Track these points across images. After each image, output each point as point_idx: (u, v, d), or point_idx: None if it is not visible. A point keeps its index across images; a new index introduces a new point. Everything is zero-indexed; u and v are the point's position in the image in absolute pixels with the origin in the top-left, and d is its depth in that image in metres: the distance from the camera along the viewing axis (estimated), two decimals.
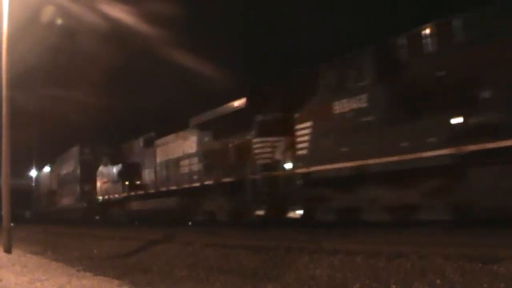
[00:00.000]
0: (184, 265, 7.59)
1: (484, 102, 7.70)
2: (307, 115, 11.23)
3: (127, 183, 21.71)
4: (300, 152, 11.37)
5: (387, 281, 4.97)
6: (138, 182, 20.92)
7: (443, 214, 8.39)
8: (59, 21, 19.19)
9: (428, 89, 8.48)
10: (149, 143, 20.43)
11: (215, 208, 15.06)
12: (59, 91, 38.92)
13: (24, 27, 14.24)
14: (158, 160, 19.34)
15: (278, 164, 12.37)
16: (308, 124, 11.15)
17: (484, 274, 4.53)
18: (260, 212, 12.82)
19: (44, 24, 17.14)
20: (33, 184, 44.17)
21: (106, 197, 24.65)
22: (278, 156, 12.44)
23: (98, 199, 25.92)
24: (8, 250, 10.51)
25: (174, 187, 17.73)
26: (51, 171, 38.23)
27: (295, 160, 11.65)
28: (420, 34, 8.92)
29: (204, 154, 15.91)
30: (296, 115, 11.59)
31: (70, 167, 32.50)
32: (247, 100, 14.12)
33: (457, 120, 8.05)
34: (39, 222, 33.09)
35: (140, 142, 21.34)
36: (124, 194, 22.19)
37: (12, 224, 11.12)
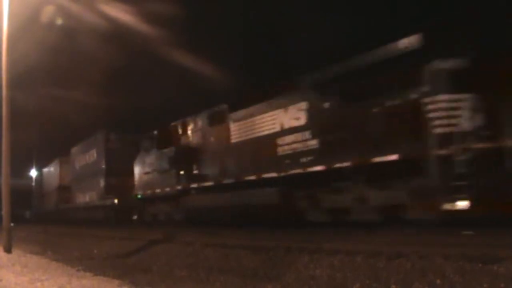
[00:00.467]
0: (184, 265, 7.60)
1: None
2: None
3: (182, 172, 16.48)
4: None
5: (387, 281, 4.97)
6: (196, 172, 15.93)
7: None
8: (59, 21, 19.20)
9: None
10: (218, 119, 15.21)
11: (350, 202, 10.31)
12: (59, 91, 38.94)
13: (24, 27, 14.25)
14: (235, 139, 14.06)
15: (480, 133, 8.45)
16: None
17: (484, 274, 4.53)
18: (458, 205, 8.68)
19: (44, 24, 17.16)
20: (33, 184, 43.52)
21: (149, 191, 18.35)
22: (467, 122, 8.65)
23: (135, 195, 19.61)
24: (8, 250, 10.51)
25: (270, 174, 12.29)
26: (62, 164, 32.61)
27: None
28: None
29: (324, 127, 11.10)
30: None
31: (90, 157, 26.55)
32: (423, 38, 9.57)
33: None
34: (39, 222, 33.04)
35: (203, 118, 16.09)
36: (179, 187, 16.32)
37: (12, 224, 11.12)
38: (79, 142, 29.26)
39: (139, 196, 19.19)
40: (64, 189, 31.61)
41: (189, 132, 16.53)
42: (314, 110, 11.33)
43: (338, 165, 10.34)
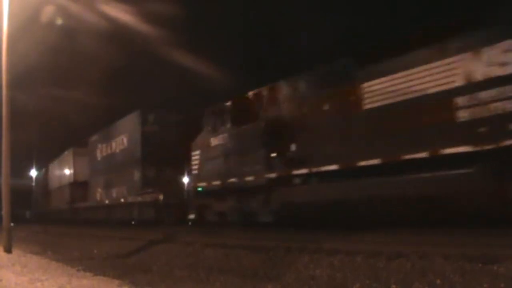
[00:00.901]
0: (184, 265, 7.60)
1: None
2: None
3: (274, 155, 11.71)
4: None
5: (387, 281, 4.97)
6: (299, 153, 11.17)
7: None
8: (59, 21, 19.19)
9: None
10: (336, 79, 10.70)
11: None
12: (59, 91, 38.95)
13: (24, 27, 14.25)
14: (371, 104, 9.74)
15: None
16: None
17: (484, 274, 4.53)
18: None
19: (44, 24, 17.15)
20: (34, 183, 43.35)
21: (217, 182, 13.43)
22: None
23: (193, 188, 14.89)
24: (8, 250, 10.51)
25: (457, 149, 8.17)
26: (76, 157, 27.84)
27: None
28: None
29: None
30: None
31: (118, 145, 21.54)
32: None
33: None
34: (40, 223, 33.01)
35: (308, 80, 11.49)
36: (272, 175, 11.67)
37: (12, 224, 11.12)
38: (101, 129, 24.40)
39: (199, 190, 14.30)
40: (79, 185, 26.93)
41: (284, 99, 11.78)
42: None
43: None
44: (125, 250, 10.24)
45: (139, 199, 18.65)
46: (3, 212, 10.98)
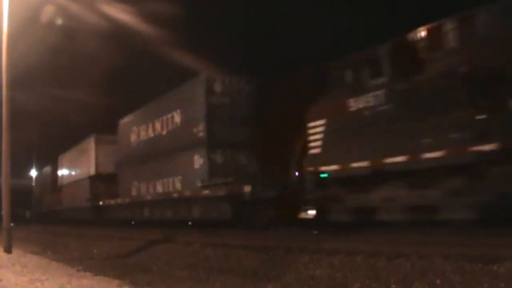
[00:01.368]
0: (184, 265, 7.60)
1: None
2: None
3: (484, 116, 7.47)
4: None
5: (387, 281, 4.98)
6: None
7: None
8: (59, 21, 19.20)
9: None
10: None
11: None
12: (59, 91, 38.93)
13: (24, 27, 14.25)
14: None
15: None
16: None
17: (484, 274, 4.53)
18: None
19: (44, 24, 17.16)
20: (34, 183, 43.24)
21: (364, 163, 9.16)
22: None
23: (316, 174, 10.21)
24: (8, 250, 10.52)
25: None
26: (99, 145, 23.23)
27: None
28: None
29: None
30: None
31: (167, 125, 16.41)
32: None
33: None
34: (40, 222, 32.99)
35: None
36: (488, 147, 7.27)
37: (12, 224, 11.12)
38: (137, 109, 19.42)
39: (323, 176, 10.03)
40: (102, 179, 22.61)
41: (489, 35, 7.67)
42: None
43: None
44: (125, 250, 10.25)
45: (205, 192, 13.56)
46: (3, 212, 10.98)
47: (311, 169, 10.25)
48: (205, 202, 13.74)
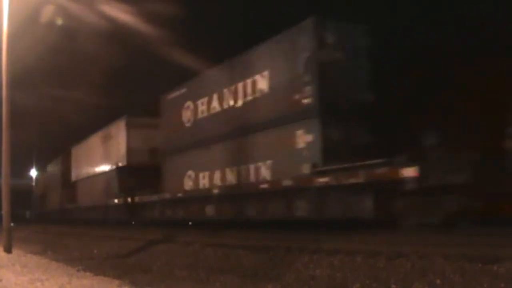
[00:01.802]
0: (184, 265, 7.60)
1: None
2: None
3: None
4: None
5: (387, 281, 4.97)
6: None
7: None
8: (59, 21, 19.20)
9: None
10: None
11: None
12: (59, 91, 38.94)
13: (24, 27, 14.26)
14: None
15: None
16: None
17: (484, 274, 4.53)
18: None
19: (44, 24, 17.16)
20: (34, 183, 43.14)
21: None
22: None
23: None
24: (8, 250, 10.52)
25: None
26: (131, 129, 18.88)
27: None
28: None
29: None
30: None
31: (244, 94, 12.31)
32: None
33: None
34: (40, 222, 32.96)
35: None
36: None
37: (12, 224, 11.12)
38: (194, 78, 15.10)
39: None
40: (135, 171, 18.39)
41: None
42: None
43: None
44: (125, 250, 10.25)
45: (322, 181, 9.58)
46: (3, 212, 10.98)
47: None
48: (320, 195, 9.71)
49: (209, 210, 13.46)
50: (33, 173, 43.46)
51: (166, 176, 16.14)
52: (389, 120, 9.32)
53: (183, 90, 15.29)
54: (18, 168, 36.36)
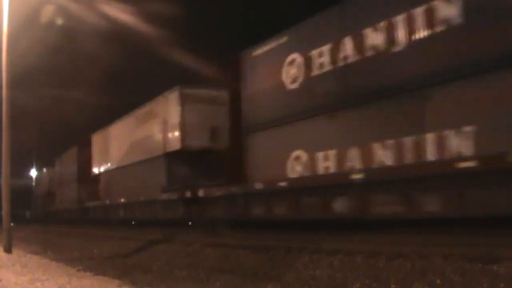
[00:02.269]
0: (184, 265, 7.60)
1: None
2: None
3: None
4: None
5: (387, 281, 4.97)
6: None
7: None
8: (59, 21, 19.22)
9: None
10: None
11: None
12: (59, 91, 38.98)
13: (24, 27, 14.27)
14: None
15: None
16: None
17: (484, 274, 4.53)
18: None
19: (44, 24, 17.18)
20: (34, 183, 43.03)
21: None
22: None
23: None
24: (8, 250, 10.52)
25: None
26: (187, 103, 14.47)
27: None
28: None
29: None
30: None
31: (416, 27, 7.63)
32: None
33: None
34: (39, 222, 32.96)
35: None
36: None
37: (12, 224, 11.12)
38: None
39: None
40: (192, 156, 14.33)
41: None
42: None
43: None
44: (125, 250, 10.25)
45: None
46: (3, 212, 10.99)
47: None
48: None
49: (341, 205, 9.19)
50: (33, 173, 43.37)
51: (251, 161, 11.37)
52: None
53: (282, 40, 10.89)
54: (18, 168, 36.01)
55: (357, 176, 8.68)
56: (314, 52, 9.88)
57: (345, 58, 9.17)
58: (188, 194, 13.29)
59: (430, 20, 7.84)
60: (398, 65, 8.38)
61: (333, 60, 9.44)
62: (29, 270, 7.68)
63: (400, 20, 8.28)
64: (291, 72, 10.42)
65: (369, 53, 8.72)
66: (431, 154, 7.65)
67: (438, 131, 7.55)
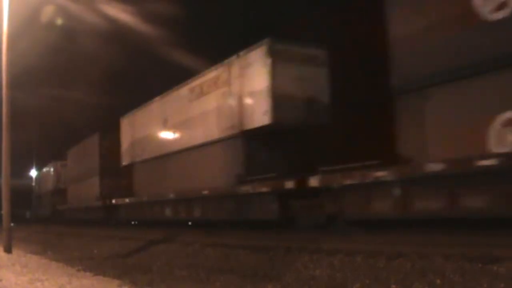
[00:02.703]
0: (184, 265, 7.60)
1: None
2: None
3: None
4: None
5: (387, 281, 4.97)
6: None
7: None
8: (59, 21, 19.22)
9: None
10: None
11: None
12: (59, 91, 38.97)
13: (24, 27, 14.27)
14: None
15: None
16: None
17: (484, 274, 4.53)
18: None
19: (44, 24, 17.18)
20: (33, 183, 42.90)
21: None
22: None
23: None
24: (8, 250, 10.52)
25: None
26: (278, 61, 10.53)
27: None
28: None
29: None
30: None
31: None
32: None
33: None
34: (39, 222, 32.93)
35: None
36: None
37: (12, 224, 11.12)
38: None
39: None
40: (281, 135, 11.02)
41: None
42: None
43: None
44: (125, 250, 10.25)
45: None
46: (3, 212, 10.99)
47: None
48: None
49: None
50: (33, 173, 43.28)
51: (409, 133, 7.76)
52: None
53: None
54: (18, 168, 35.69)
55: None
56: None
57: None
58: (289, 184, 9.67)
59: None
60: None
61: None
62: (29, 270, 7.68)
63: None
64: None
65: None
66: None
67: None
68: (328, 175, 8.87)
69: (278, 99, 10.48)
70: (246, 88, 11.30)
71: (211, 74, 12.73)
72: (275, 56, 10.64)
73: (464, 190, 6.71)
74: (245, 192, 10.88)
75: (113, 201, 19.01)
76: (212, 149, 12.56)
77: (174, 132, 14.71)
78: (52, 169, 32.07)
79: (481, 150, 6.43)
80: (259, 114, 10.66)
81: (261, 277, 6.11)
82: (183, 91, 14.17)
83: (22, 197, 37.21)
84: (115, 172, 19.55)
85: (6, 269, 7.87)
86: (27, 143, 39.51)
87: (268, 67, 10.60)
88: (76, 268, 7.83)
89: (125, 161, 18.29)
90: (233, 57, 11.90)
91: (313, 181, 9.11)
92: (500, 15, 6.31)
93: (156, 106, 15.97)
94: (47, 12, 16.03)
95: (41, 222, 32.67)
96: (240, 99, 11.45)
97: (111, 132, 20.18)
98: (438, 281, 4.64)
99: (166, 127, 15.12)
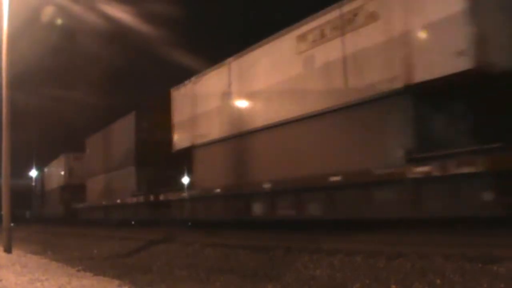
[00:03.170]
0: (184, 265, 7.60)
1: None
2: None
3: None
4: None
5: (387, 281, 4.97)
6: None
7: None
8: (59, 21, 19.22)
9: None
10: None
11: None
12: (59, 91, 38.98)
13: (24, 27, 14.27)
14: None
15: None
16: None
17: (484, 274, 4.53)
18: None
19: (44, 24, 17.18)
20: (33, 183, 42.86)
21: None
22: None
23: None
24: (8, 250, 10.52)
25: None
26: None
27: None
28: None
29: None
30: None
31: None
32: None
33: None
34: (39, 222, 32.88)
35: None
36: None
37: (12, 224, 11.12)
38: None
39: None
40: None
41: None
42: None
43: None
44: (125, 250, 10.24)
45: None
46: (3, 212, 10.98)
47: None
48: None
49: None
50: (33, 173, 43.23)
51: None
52: None
53: None
54: (18, 168, 35.44)
55: None
56: None
57: None
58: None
59: None
60: None
61: None
62: (29, 270, 7.67)
63: None
64: None
65: None
66: None
67: None
68: None
69: (482, 30, 6.69)
70: (417, 18, 7.43)
71: (336, 12, 8.83)
72: None
73: None
74: (425, 174, 7.17)
75: (161, 196, 15.05)
76: (345, 117, 8.76)
77: (270, 99, 10.58)
78: (62, 163, 28.24)
79: None
80: (448, 55, 6.87)
81: (261, 277, 6.11)
82: (286, 41, 10.25)
83: (22, 197, 37.08)
84: (157, 160, 16.10)
85: (6, 269, 7.87)
86: (27, 143, 39.48)
87: None
88: (76, 268, 7.82)
89: (179, 145, 14.06)
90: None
91: None
92: None
93: (236, 66, 11.75)
94: (47, 12, 16.04)
95: (41, 222, 32.47)
96: (405, 35, 7.60)
97: (153, 111, 16.44)
98: (438, 281, 4.64)
99: (256, 91, 11.07)
